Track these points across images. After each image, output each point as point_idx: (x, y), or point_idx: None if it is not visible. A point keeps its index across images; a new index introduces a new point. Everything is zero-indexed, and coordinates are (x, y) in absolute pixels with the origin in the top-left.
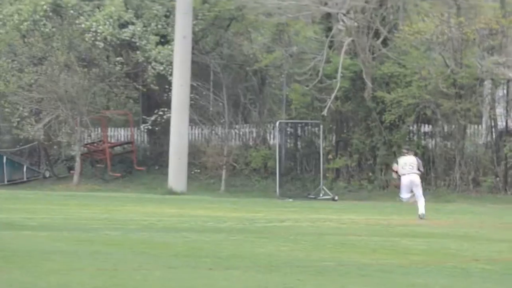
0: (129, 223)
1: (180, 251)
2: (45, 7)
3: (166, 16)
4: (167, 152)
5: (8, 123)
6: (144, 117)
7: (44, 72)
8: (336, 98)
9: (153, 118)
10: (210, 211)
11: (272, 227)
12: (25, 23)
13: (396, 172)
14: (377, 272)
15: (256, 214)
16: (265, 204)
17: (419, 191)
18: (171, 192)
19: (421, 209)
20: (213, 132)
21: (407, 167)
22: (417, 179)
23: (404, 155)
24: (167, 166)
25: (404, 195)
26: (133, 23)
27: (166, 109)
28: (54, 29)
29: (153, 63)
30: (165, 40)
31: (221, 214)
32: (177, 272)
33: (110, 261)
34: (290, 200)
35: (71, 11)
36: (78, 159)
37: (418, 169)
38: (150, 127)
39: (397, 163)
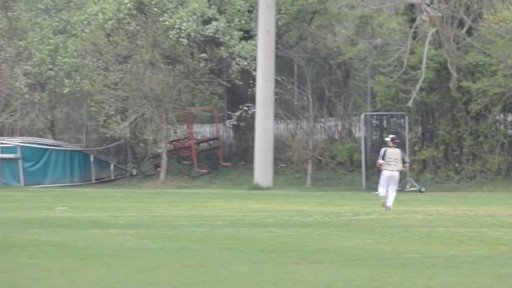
0: (216, 219)
1: (266, 246)
2: (129, 5)
3: (249, 11)
4: (252, 147)
5: (95, 121)
6: (229, 112)
7: (129, 70)
8: (421, 89)
9: (238, 113)
10: (296, 206)
11: (358, 220)
12: (110, 22)
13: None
14: (464, 264)
15: (342, 208)
16: (351, 197)
17: (394, 186)
18: (257, 188)
19: (390, 201)
20: (298, 126)
21: (392, 162)
22: (397, 176)
23: (390, 146)
24: (252, 161)
25: (382, 190)
26: (216, 19)
27: (251, 105)
28: (138, 27)
29: (237, 59)
30: (248, 35)
31: (307, 208)
32: (263, 267)
33: (197, 257)
34: (377, 192)
35: (155, 9)
36: (164, 156)
37: (403, 162)
38: (235, 123)
39: (382, 157)
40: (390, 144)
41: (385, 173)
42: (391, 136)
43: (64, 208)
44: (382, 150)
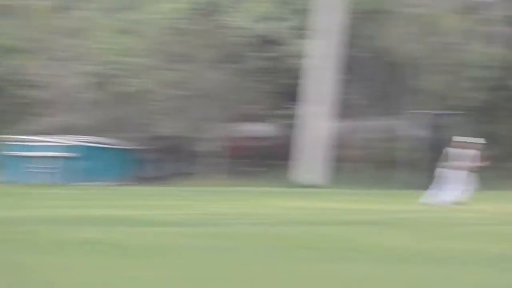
0: (255, 217)
1: (306, 244)
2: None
3: (305, 10)
4: (304, 146)
5: (148, 120)
6: (281, 111)
7: (185, 70)
8: (483, 88)
9: (289, 112)
10: (345, 204)
11: (404, 219)
12: (170, 21)
13: None
14: None
15: (390, 206)
16: (405, 195)
17: (458, 185)
18: (305, 185)
19: (451, 198)
20: (356, 125)
21: (457, 161)
22: (461, 174)
23: (456, 146)
24: (303, 160)
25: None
26: (273, 18)
27: (302, 103)
28: (196, 27)
29: (291, 57)
30: (303, 34)
31: (356, 206)
32: (301, 265)
33: (242, 256)
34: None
35: (212, 8)
36: (214, 154)
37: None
38: (288, 122)
39: (449, 156)
40: (457, 144)
41: (449, 172)
42: (457, 136)
43: None
44: (449, 149)
